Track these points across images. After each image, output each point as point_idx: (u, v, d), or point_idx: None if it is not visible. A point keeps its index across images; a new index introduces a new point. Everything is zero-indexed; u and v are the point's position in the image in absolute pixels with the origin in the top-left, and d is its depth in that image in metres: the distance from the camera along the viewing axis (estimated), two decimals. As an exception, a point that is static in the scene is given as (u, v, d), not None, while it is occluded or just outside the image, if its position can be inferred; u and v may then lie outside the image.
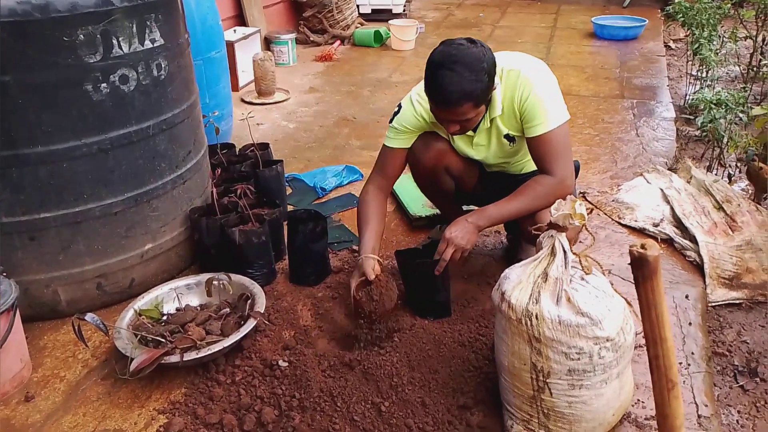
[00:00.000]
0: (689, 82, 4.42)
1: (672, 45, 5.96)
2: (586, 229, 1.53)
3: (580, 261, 1.56)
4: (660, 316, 1.21)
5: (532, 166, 2.08)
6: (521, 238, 2.33)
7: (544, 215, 1.92)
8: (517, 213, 1.98)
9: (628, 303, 1.62)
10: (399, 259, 2.16)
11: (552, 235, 1.52)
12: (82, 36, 1.89)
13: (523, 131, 2.01)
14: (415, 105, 2.12)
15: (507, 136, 2.06)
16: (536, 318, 1.48)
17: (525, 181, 2.00)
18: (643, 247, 1.17)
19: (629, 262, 1.20)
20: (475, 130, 2.09)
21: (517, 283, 1.54)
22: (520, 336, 1.52)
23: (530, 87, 1.94)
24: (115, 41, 1.97)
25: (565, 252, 1.50)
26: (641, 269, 1.18)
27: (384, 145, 2.20)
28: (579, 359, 1.48)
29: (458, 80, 1.79)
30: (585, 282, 1.54)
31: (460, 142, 2.17)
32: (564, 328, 1.47)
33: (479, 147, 2.14)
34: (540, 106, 1.93)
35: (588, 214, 1.49)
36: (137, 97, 2.08)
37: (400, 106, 2.15)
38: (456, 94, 1.81)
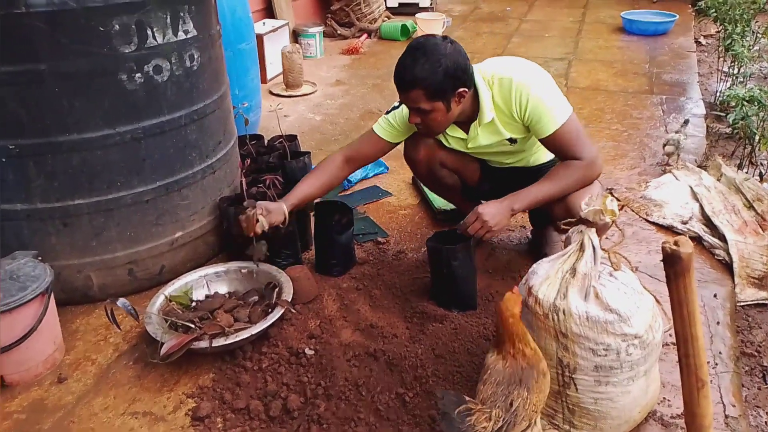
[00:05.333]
0: (720, 79, 4.35)
1: (702, 41, 5.86)
2: (616, 225, 1.53)
3: (609, 257, 1.55)
4: (691, 314, 1.20)
5: (543, 158, 2.10)
6: (550, 228, 2.32)
7: (577, 200, 1.91)
8: (552, 196, 1.97)
9: (657, 301, 1.61)
10: (428, 245, 2.16)
11: (581, 231, 1.52)
12: (117, 26, 1.92)
13: (529, 133, 2.02)
14: None
15: (510, 140, 2.08)
16: (563, 313, 1.48)
17: (540, 172, 2.01)
18: (676, 243, 1.17)
19: (661, 259, 1.20)
20: (467, 134, 2.11)
21: (545, 278, 1.54)
22: (547, 331, 1.52)
23: (527, 91, 1.94)
24: (149, 32, 2.00)
25: (594, 248, 1.50)
26: (674, 266, 1.17)
27: (371, 128, 2.25)
28: (606, 356, 1.48)
29: (412, 65, 1.87)
30: (614, 278, 1.53)
31: (455, 144, 2.21)
32: (592, 324, 1.46)
33: (477, 150, 2.17)
34: (543, 106, 1.93)
35: (619, 210, 1.48)
36: (170, 87, 2.11)
37: (400, 103, 2.15)
38: (408, 77, 1.88)
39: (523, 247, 2.56)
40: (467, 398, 1.38)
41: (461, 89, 1.92)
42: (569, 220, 1.57)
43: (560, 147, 1.96)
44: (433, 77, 1.86)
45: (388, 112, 2.21)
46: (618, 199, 2.84)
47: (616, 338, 1.47)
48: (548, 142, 1.98)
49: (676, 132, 3.22)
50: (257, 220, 2.05)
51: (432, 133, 2.09)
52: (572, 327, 1.48)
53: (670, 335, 2.01)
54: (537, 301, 1.53)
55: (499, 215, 1.96)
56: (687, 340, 1.23)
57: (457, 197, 2.49)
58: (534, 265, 1.62)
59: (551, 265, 1.56)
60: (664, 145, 3.20)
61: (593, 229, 1.50)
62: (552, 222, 2.12)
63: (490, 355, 1.47)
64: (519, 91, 1.95)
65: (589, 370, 1.50)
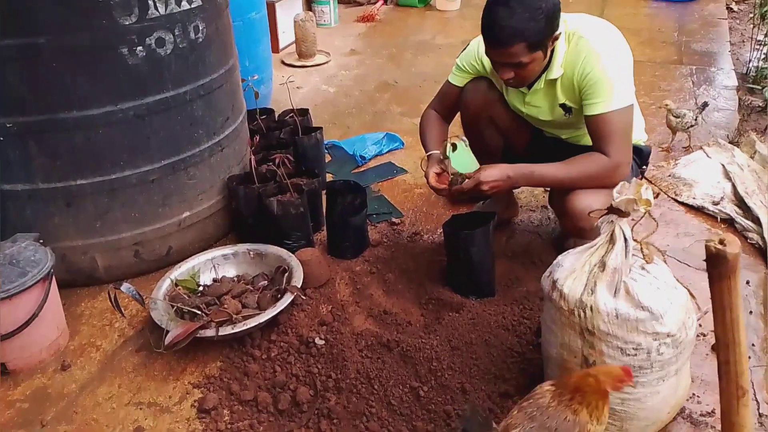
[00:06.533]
0: (754, 48, 4.13)
1: (734, 7, 5.60)
2: (650, 214, 1.41)
3: (641, 249, 1.44)
4: (735, 319, 1.10)
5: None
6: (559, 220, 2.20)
7: (575, 202, 1.80)
8: (559, 183, 1.86)
9: (691, 295, 1.50)
10: (445, 229, 2.06)
11: (612, 221, 1.40)
12: (117, -4, 1.82)
13: (581, 105, 1.86)
14: (480, 47, 2.01)
15: (563, 106, 1.92)
16: (590, 310, 1.38)
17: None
18: (721, 242, 1.06)
19: (705, 259, 1.09)
20: (529, 88, 1.95)
21: (571, 271, 1.44)
22: (572, 328, 1.43)
23: (596, 61, 1.77)
24: (151, 2, 1.89)
25: (626, 239, 1.38)
26: (718, 267, 1.07)
27: (447, 78, 2.16)
28: (636, 355, 1.38)
29: (510, 16, 1.68)
30: (645, 272, 1.42)
31: (513, 97, 2.05)
32: (621, 322, 1.36)
33: (531, 107, 2.01)
34: (604, 83, 1.77)
35: (654, 198, 1.37)
36: (174, 61, 2.01)
37: (469, 44, 2.09)
38: (507, 31, 1.69)
39: (544, 228, 2.44)
40: (494, 425, 1.29)
41: (557, 32, 1.77)
42: (597, 209, 1.45)
43: (597, 134, 1.81)
44: (536, 26, 1.69)
45: (458, 56, 2.11)
46: (645, 178, 2.70)
47: (647, 337, 1.37)
48: (590, 124, 1.82)
49: (689, 110, 2.94)
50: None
51: (522, 84, 1.92)
52: (600, 324, 1.38)
53: (700, 325, 1.91)
54: (562, 295, 1.43)
55: (500, 185, 1.85)
56: (728, 346, 1.12)
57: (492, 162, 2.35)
58: (559, 257, 1.51)
59: (577, 257, 1.46)
60: (669, 112, 2.93)
61: (625, 220, 1.39)
62: (557, 213, 1.98)
63: (544, 385, 1.34)
64: (589, 57, 1.79)
65: (616, 369, 1.40)
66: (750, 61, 4.06)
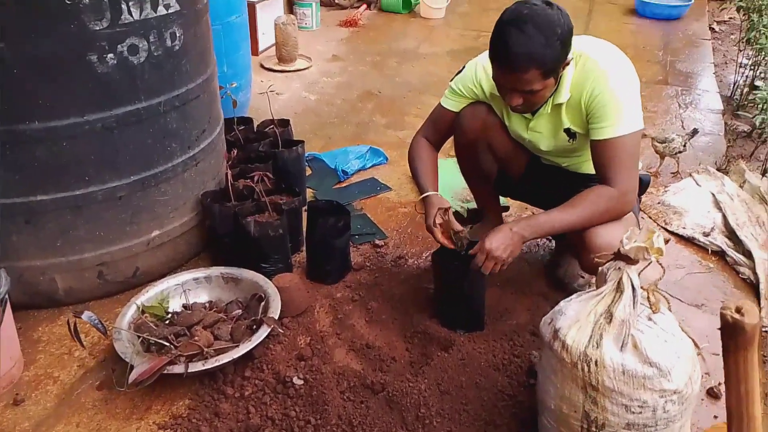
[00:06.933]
0: (739, 71, 4.12)
1: (716, 27, 5.61)
2: (658, 262, 1.32)
3: (648, 297, 1.35)
4: (750, 392, 1.01)
5: (591, 168, 1.84)
6: (571, 257, 2.11)
7: (595, 236, 1.71)
8: (569, 226, 1.75)
9: (696, 344, 1.41)
10: (435, 259, 1.96)
11: (619, 268, 1.31)
12: (86, 0, 1.67)
13: (587, 130, 1.77)
14: (477, 70, 1.92)
15: (567, 131, 1.83)
16: (595, 364, 1.28)
17: (583, 181, 1.77)
18: (738, 311, 0.96)
19: (720, 328, 0.99)
20: (534, 114, 1.86)
21: (575, 321, 1.34)
22: (574, 381, 1.33)
23: (605, 83, 1.69)
24: (124, 6, 1.75)
25: (634, 289, 1.29)
26: (735, 338, 0.97)
27: (439, 102, 2.04)
28: (641, 413, 1.29)
29: (526, 42, 1.58)
30: (652, 323, 1.33)
31: (515, 124, 1.95)
32: (628, 379, 1.27)
33: (534, 133, 1.91)
34: (612, 106, 1.68)
35: (665, 244, 1.28)
36: (147, 69, 1.86)
37: (464, 67, 1.98)
38: (522, 57, 1.59)
39: (534, 256, 2.35)
40: None
41: (569, 57, 1.68)
42: (603, 253, 1.36)
43: (604, 160, 1.72)
44: (551, 53, 1.60)
45: (452, 79, 2.00)
46: (642, 211, 2.60)
47: (654, 394, 1.28)
48: (596, 149, 1.74)
49: (678, 135, 2.89)
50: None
51: (530, 110, 1.83)
52: (604, 380, 1.28)
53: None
54: (564, 346, 1.33)
55: (511, 246, 1.73)
56: (742, 420, 1.03)
57: (483, 188, 2.25)
58: (561, 303, 1.41)
59: (582, 305, 1.36)
60: (653, 140, 2.89)
61: (633, 267, 1.30)
62: (576, 254, 1.90)
63: None
64: (597, 78, 1.70)
65: (619, 427, 1.31)
66: (735, 84, 4.05)
